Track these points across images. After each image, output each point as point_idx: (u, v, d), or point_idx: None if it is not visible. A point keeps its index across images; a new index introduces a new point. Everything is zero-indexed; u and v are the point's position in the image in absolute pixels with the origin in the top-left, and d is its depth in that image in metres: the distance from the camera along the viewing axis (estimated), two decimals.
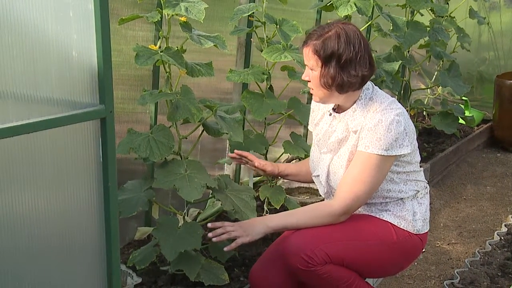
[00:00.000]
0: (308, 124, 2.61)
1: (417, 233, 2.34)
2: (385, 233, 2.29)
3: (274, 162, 3.30)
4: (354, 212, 2.33)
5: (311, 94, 2.34)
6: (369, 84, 2.32)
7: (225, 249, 2.30)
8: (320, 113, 2.47)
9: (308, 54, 2.25)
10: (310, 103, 2.55)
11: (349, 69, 2.21)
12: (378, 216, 2.33)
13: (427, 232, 2.41)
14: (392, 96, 2.37)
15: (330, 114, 2.39)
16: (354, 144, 2.26)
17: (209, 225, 2.32)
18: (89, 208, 1.73)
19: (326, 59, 2.20)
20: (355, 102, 2.29)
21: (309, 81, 2.29)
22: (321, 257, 2.17)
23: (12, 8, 1.45)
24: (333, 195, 2.34)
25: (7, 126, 1.44)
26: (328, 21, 2.34)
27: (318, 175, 2.40)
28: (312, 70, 2.26)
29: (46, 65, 1.55)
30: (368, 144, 2.20)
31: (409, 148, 2.23)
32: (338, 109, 2.37)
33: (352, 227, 2.27)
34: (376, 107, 2.25)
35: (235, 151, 2.64)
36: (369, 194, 2.25)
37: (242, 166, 3.59)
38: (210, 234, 2.28)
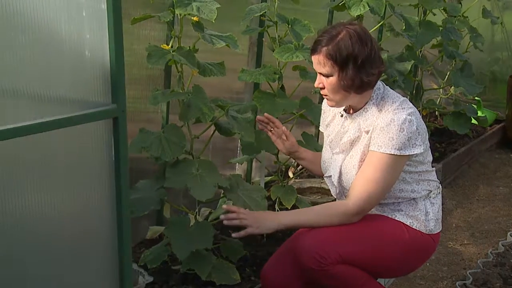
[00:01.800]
0: (320, 127, 2.59)
1: (430, 233, 2.33)
2: (398, 233, 2.28)
3: (285, 162, 3.31)
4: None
5: (325, 98, 2.31)
6: (379, 83, 2.31)
7: (233, 235, 2.27)
8: (331, 114, 2.46)
9: (322, 61, 2.20)
10: (322, 103, 2.54)
11: (367, 68, 2.19)
12: (390, 216, 2.32)
13: (439, 232, 2.39)
14: (404, 96, 2.36)
15: (342, 115, 2.38)
16: (366, 144, 2.25)
17: (224, 206, 2.30)
18: (101, 207, 1.73)
19: (342, 62, 2.17)
20: (367, 102, 2.29)
21: (323, 88, 2.26)
22: (333, 256, 2.16)
23: (25, 8, 1.45)
24: (345, 196, 2.33)
25: (20, 126, 1.45)
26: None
27: (330, 176, 2.39)
28: (327, 77, 2.21)
29: (59, 65, 1.56)
30: (380, 144, 2.19)
31: (422, 147, 2.22)
32: (349, 110, 2.36)
33: (364, 227, 2.26)
34: (388, 107, 2.25)
35: (265, 114, 2.55)
36: (382, 194, 2.25)
37: (253, 166, 3.59)
38: (222, 216, 2.26)
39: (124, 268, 1.78)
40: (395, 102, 2.26)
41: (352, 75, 2.18)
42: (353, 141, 2.30)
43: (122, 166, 1.71)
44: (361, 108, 2.30)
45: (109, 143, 1.69)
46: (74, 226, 1.70)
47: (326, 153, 2.44)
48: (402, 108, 2.23)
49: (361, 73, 2.18)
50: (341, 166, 2.33)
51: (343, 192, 2.35)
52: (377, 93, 2.29)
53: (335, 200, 2.46)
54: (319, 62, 2.21)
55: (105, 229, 1.76)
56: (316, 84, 2.28)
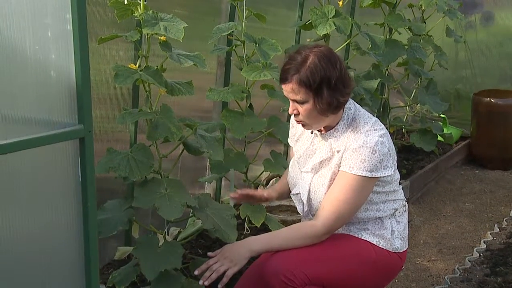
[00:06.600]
0: (288, 140, 2.60)
1: (396, 251, 2.34)
2: (364, 253, 2.29)
3: (254, 181, 3.31)
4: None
5: (300, 125, 2.30)
6: (350, 102, 2.31)
7: (219, 286, 2.24)
8: (300, 129, 2.44)
9: (295, 89, 2.17)
10: (290, 119, 2.54)
11: (341, 88, 2.18)
12: (357, 236, 2.32)
13: (406, 250, 2.41)
14: (371, 113, 2.37)
15: (312, 132, 2.38)
16: (337, 164, 2.25)
17: (195, 272, 2.28)
18: (68, 228, 1.71)
19: (317, 87, 2.15)
20: (338, 122, 2.28)
21: (297, 115, 2.24)
22: (300, 278, 2.16)
23: None
24: (312, 214, 2.34)
25: None
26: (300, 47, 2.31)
27: (298, 193, 2.39)
28: (302, 104, 2.19)
29: (24, 85, 1.54)
30: (352, 165, 2.19)
31: (392, 169, 2.24)
32: (321, 129, 2.35)
33: (331, 248, 2.26)
34: (359, 128, 2.24)
35: (237, 191, 2.63)
36: (351, 214, 2.25)
37: (222, 185, 3.59)
38: (200, 282, 2.24)
39: None
40: (367, 123, 2.26)
41: (327, 98, 2.16)
42: (324, 161, 2.30)
43: (89, 186, 1.69)
44: (332, 128, 2.29)
45: (76, 164, 1.68)
46: (40, 248, 1.68)
47: (294, 168, 2.44)
48: (374, 130, 2.23)
49: (336, 94, 2.17)
50: (310, 184, 2.33)
51: (310, 210, 2.35)
52: (348, 113, 2.28)
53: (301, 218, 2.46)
54: (292, 90, 2.18)
55: (72, 250, 1.74)
56: (290, 111, 2.25)
